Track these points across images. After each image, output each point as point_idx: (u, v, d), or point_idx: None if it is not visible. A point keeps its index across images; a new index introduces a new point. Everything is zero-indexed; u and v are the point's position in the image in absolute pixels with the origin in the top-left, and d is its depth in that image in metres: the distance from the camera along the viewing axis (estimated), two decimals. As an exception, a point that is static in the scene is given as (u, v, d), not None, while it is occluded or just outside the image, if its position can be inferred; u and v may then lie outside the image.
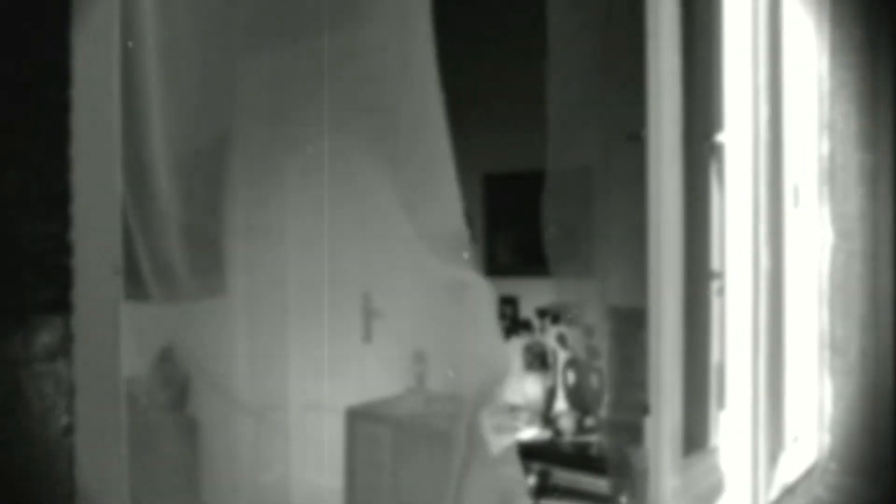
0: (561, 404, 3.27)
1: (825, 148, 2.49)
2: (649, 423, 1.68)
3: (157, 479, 4.47)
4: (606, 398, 3.12)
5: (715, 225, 2.14)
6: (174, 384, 4.76)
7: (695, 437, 1.98)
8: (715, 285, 2.14)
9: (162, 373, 4.87)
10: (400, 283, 3.95)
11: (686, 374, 1.77)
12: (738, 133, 1.90)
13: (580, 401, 3.29)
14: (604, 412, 3.07)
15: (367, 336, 4.22)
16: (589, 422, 3.05)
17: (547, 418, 3.07)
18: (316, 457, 4.43)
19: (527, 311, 3.50)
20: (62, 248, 0.80)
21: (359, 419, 3.39)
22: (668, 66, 1.76)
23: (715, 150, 2.05)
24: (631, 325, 3.12)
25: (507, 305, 3.62)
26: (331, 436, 3.49)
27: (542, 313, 3.25)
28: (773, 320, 2.04)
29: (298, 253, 4.42)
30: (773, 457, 2.00)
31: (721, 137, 1.97)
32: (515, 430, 3.01)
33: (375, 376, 4.26)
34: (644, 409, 1.69)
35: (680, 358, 1.73)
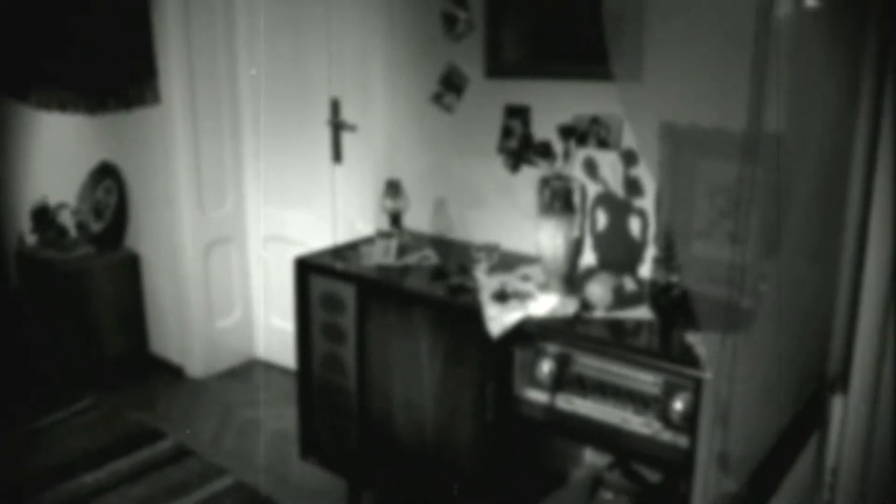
0: (589, 258, 2.38)
1: None
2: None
3: (93, 325, 3.76)
4: (653, 253, 2.23)
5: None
6: (108, 210, 3.89)
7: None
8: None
9: (95, 196, 3.98)
10: (375, 93, 3.03)
11: None
12: None
13: (614, 255, 2.40)
14: (649, 273, 2.19)
15: (338, 155, 3.36)
16: (629, 287, 2.17)
17: (571, 281, 2.18)
18: (280, 299, 3.75)
19: (543, 128, 2.50)
20: None
21: (313, 273, 2.52)
22: None
23: None
24: (692, 148, 2.16)
25: (515, 118, 2.61)
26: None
27: (566, 132, 2.25)
28: None
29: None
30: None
31: None
32: (526, 297, 2.14)
33: (345, 205, 3.47)
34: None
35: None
